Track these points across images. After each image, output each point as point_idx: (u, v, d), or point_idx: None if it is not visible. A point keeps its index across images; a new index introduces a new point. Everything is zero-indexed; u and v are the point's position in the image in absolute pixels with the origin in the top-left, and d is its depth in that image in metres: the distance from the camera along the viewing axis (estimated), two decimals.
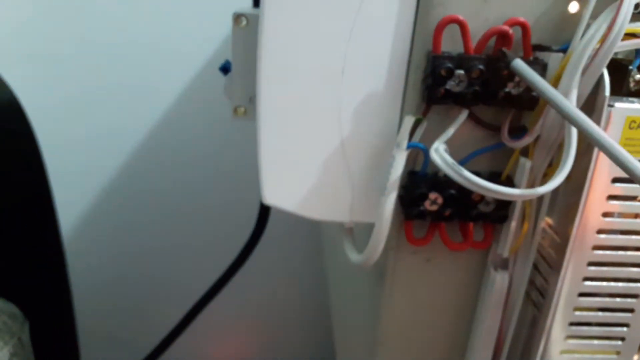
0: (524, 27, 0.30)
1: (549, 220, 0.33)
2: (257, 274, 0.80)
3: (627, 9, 0.26)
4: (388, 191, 0.32)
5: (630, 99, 0.29)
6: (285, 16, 0.31)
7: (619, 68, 0.30)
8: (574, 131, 0.28)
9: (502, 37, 0.30)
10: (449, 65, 0.29)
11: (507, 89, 0.30)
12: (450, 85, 0.30)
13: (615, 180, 0.29)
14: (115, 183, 0.83)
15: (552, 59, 0.30)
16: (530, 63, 0.30)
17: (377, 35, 0.31)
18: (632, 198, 0.30)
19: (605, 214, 0.30)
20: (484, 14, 0.30)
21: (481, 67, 0.29)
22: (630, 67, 0.29)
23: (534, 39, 0.31)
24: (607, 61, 0.27)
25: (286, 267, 0.89)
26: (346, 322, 0.57)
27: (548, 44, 0.31)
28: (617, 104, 0.28)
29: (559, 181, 0.27)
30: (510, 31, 0.29)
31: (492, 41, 0.30)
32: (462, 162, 0.33)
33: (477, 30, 0.30)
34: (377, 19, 0.31)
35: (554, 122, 0.29)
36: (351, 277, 0.51)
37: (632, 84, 0.30)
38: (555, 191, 0.32)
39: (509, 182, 0.33)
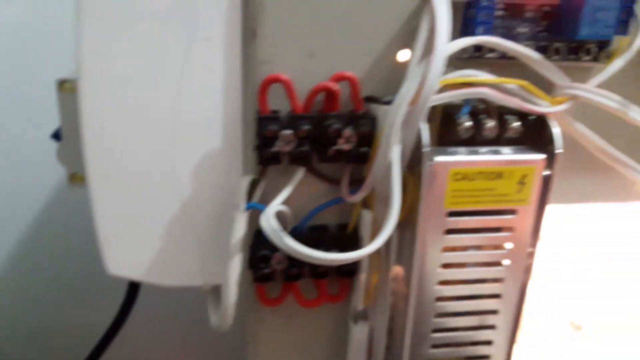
0: (351, 81, 0.29)
1: (399, 268, 0.33)
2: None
3: (438, 62, 0.26)
4: (231, 254, 0.30)
5: (459, 149, 0.29)
6: (104, 78, 0.29)
7: (451, 117, 0.30)
8: (397, 183, 0.27)
9: (330, 93, 0.29)
10: (274, 127, 0.28)
11: (338, 146, 0.29)
12: (280, 145, 0.29)
13: (451, 214, 0.29)
14: None
15: (382, 111, 0.30)
16: (358, 117, 0.29)
17: (206, 94, 0.30)
18: (467, 230, 0.30)
19: (446, 249, 0.30)
20: (312, 70, 0.29)
21: (307, 127, 0.28)
22: (457, 116, 0.30)
23: (369, 90, 0.31)
24: (423, 114, 0.27)
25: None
26: None
27: (381, 95, 0.30)
28: (437, 158, 0.28)
29: (383, 238, 0.27)
30: (335, 87, 0.29)
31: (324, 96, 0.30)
32: (308, 217, 0.32)
33: (306, 86, 0.29)
34: (204, 78, 0.30)
35: (382, 175, 0.28)
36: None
37: (462, 132, 0.30)
38: (402, 237, 0.31)
39: (356, 234, 0.32)
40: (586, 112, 0.31)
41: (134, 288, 0.43)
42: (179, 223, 0.32)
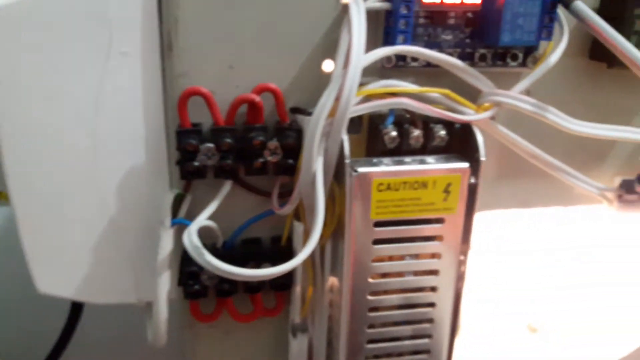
0: (274, 92, 0.29)
1: (334, 279, 0.33)
2: None
3: (353, 73, 0.26)
4: (159, 271, 0.30)
5: (384, 159, 0.29)
6: (20, 98, 0.28)
7: (377, 127, 0.30)
8: (320, 195, 0.27)
9: (252, 105, 0.29)
10: (194, 140, 0.28)
11: (263, 158, 0.29)
12: (202, 159, 0.28)
13: (377, 224, 0.29)
14: None
15: (307, 122, 0.29)
16: (284, 129, 0.29)
17: (125, 109, 0.29)
18: (396, 240, 0.30)
19: (376, 259, 0.30)
20: (233, 82, 0.29)
21: (228, 140, 0.28)
22: (381, 126, 0.29)
23: (296, 101, 0.30)
24: (344, 125, 0.26)
25: None
26: None
27: (309, 106, 0.30)
28: (360, 169, 0.27)
29: (307, 252, 0.27)
30: (257, 99, 0.28)
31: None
32: (238, 231, 0.31)
33: (228, 98, 0.29)
34: (122, 93, 0.29)
35: (308, 186, 0.28)
36: None
37: (387, 142, 0.29)
38: (335, 248, 0.31)
39: (290, 246, 0.32)
40: (526, 118, 0.31)
41: (77, 305, 0.42)
42: (107, 240, 0.32)
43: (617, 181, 0.34)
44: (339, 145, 0.27)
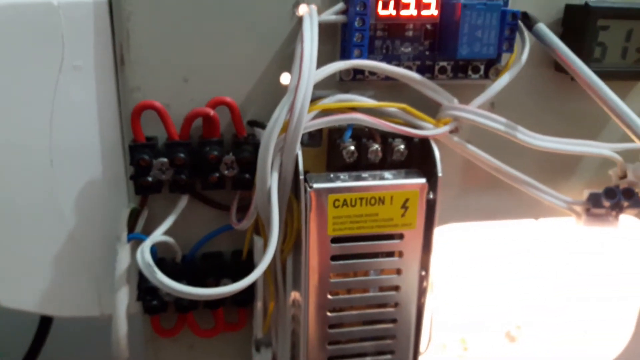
0: (229, 106, 0.28)
1: (297, 294, 0.32)
2: None
3: (304, 89, 0.25)
4: (116, 287, 0.30)
5: (342, 174, 0.28)
6: None
7: (336, 141, 0.30)
8: (275, 211, 0.27)
9: (207, 119, 0.28)
10: (146, 155, 0.27)
11: (220, 172, 0.28)
12: (156, 174, 0.28)
13: (335, 240, 0.28)
14: None
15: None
16: (240, 143, 0.29)
17: (80, 123, 0.29)
18: (355, 256, 0.29)
19: (335, 275, 0.29)
20: (187, 95, 0.29)
21: (182, 155, 0.28)
22: (339, 141, 0.29)
23: (253, 114, 0.30)
24: (297, 140, 0.26)
25: None
26: None
27: (265, 119, 0.30)
28: (315, 185, 0.27)
29: (262, 269, 0.26)
30: (211, 113, 0.28)
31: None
32: (197, 246, 0.31)
33: (183, 112, 0.28)
34: (76, 107, 0.29)
35: (264, 201, 0.27)
36: None
37: (345, 156, 0.29)
38: (297, 264, 0.31)
39: (251, 261, 0.32)
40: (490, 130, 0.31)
41: (45, 319, 0.42)
42: (67, 254, 0.31)
43: (587, 194, 0.34)
44: (294, 160, 0.27)
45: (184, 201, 0.30)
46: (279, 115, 0.26)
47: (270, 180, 0.27)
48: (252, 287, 0.31)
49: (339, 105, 0.27)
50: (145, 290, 0.30)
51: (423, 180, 0.28)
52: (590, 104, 0.34)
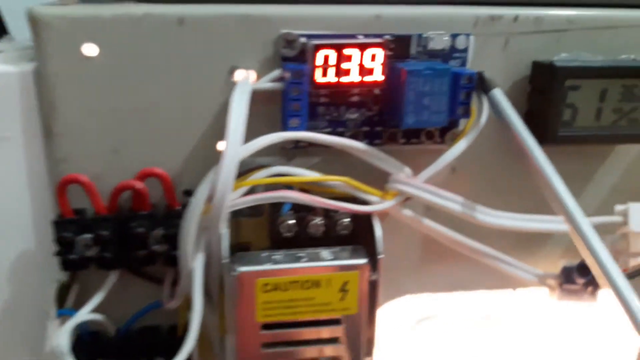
0: (161, 177, 0.27)
1: None
2: None
3: (228, 166, 0.23)
4: None
5: (276, 254, 0.26)
6: None
7: (276, 213, 0.28)
8: (198, 294, 0.25)
9: (136, 192, 0.27)
10: (68, 233, 0.26)
11: (150, 248, 0.27)
12: (82, 250, 0.26)
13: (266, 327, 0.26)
14: None
15: None
16: (172, 216, 0.27)
17: (10, 194, 0.28)
18: (290, 343, 0.27)
19: None
20: (118, 166, 0.27)
21: (105, 232, 0.26)
22: (279, 214, 0.27)
23: (189, 183, 0.28)
24: (221, 219, 0.24)
25: None
26: None
27: None
28: (241, 268, 0.25)
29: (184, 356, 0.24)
30: (139, 185, 0.26)
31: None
32: (129, 323, 0.29)
33: (114, 183, 0.27)
34: (5, 178, 0.27)
35: (187, 283, 0.26)
36: None
37: (284, 230, 0.27)
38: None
39: None
40: None
41: None
42: (2, 326, 0.30)
43: (562, 266, 0.30)
44: (220, 240, 0.25)
45: (114, 276, 0.28)
46: (202, 192, 0.24)
47: (193, 263, 0.25)
48: None
49: (270, 181, 0.25)
50: None
51: (364, 261, 0.25)
52: (565, 167, 0.31)
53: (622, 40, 0.30)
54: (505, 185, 0.31)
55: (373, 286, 0.26)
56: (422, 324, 0.40)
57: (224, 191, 0.24)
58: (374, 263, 0.26)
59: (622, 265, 0.29)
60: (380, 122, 0.28)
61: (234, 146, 0.23)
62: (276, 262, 0.25)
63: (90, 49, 0.25)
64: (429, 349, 0.40)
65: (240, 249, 0.29)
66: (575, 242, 0.24)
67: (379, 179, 0.28)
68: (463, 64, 0.28)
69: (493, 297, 0.34)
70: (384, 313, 0.34)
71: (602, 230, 0.29)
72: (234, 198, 0.25)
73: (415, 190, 0.26)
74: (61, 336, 0.25)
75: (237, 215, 0.28)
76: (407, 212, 0.27)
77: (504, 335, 0.40)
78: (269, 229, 0.28)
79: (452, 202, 0.26)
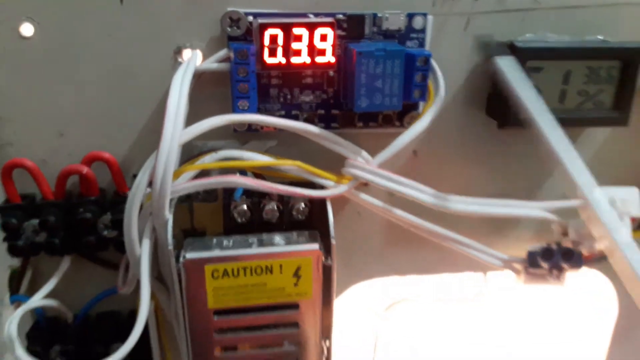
0: (108, 162, 0.26)
1: None
2: None
3: (169, 151, 0.23)
4: (2, 351, 0.28)
5: (225, 240, 0.25)
6: None
7: (230, 196, 0.27)
8: (145, 280, 0.24)
9: (82, 177, 0.26)
10: (13, 219, 0.25)
11: (99, 233, 0.26)
12: (30, 236, 0.26)
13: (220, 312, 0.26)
14: None
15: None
16: (120, 201, 0.26)
17: None
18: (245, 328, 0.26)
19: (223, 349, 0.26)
20: (64, 150, 0.26)
21: (52, 218, 0.25)
22: (230, 199, 0.26)
23: (139, 169, 0.27)
24: (164, 205, 0.23)
25: None
26: None
27: None
28: (189, 255, 0.24)
29: (130, 345, 0.24)
30: (84, 170, 0.26)
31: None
32: (86, 308, 0.29)
33: (61, 168, 0.26)
34: None
35: (137, 269, 0.25)
36: None
37: (238, 216, 0.26)
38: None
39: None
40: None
41: None
42: None
43: (532, 247, 0.30)
44: (165, 226, 0.24)
45: (67, 262, 0.27)
46: (142, 178, 0.23)
47: (140, 250, 0.24)
48: (149, 350, 0.29)
49: (218, 165, 0.25)
50: (34, 354, 0.28)
51: (316, 246, 0.25)
52: (530, 151, 0.31)
53: (590, 21, 0.29)
54: (464, 171, 0.30)
55: (327, 271, 0.25)
56: (393, 307, 0.39)
57: (164, 176, 0.23)
58: (328, 248, 0.25)
59: (588, 250, 0.28)
60: (336, 105, 0.27)
61: (172, 129, 0.23)
62: (226, 247, 0.25)
63: (27, 29, 0.24)
64: (400, 332, 0.40)
65: (196, 234, 0.28)
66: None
67: (340, 164, 0.27)
68: (421, 44, 0.27)
69: (462, 279, 0.33)
70: (351, 296, 0.34)
71: (567, 214, 0.28)
72: (181, 182, 0.24)
73: (368, 174, 0.25)
74: (11, 324, 0.25)
75: (191, 200, 0.27)
76: (366, 197, 0.27)
77: (475, 316, 0.40)
78: (223, 214, 0.28)
79: (409, 187, 0.25)
